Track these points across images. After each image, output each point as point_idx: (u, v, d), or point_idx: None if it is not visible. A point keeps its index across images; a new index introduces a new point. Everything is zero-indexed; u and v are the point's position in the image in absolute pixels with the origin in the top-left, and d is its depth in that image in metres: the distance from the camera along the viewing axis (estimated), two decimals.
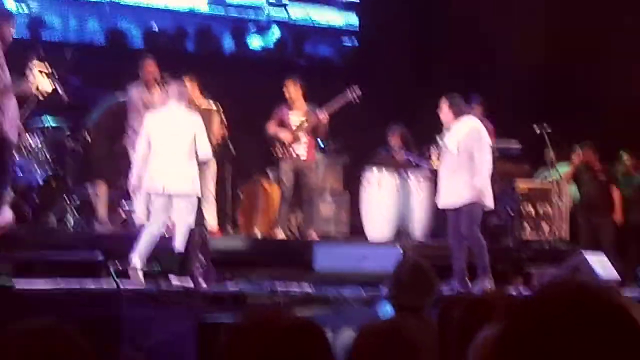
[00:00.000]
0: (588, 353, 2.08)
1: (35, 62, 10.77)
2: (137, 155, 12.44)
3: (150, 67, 14.33)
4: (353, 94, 15.22)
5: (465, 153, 12.83)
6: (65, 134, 14.51)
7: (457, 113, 13.08)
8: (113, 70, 15.63)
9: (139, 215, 13.88)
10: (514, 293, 12.10)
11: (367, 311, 10.23)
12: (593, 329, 2.10)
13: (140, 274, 11.76)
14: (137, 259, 11.83)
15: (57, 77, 11.25)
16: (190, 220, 12.37)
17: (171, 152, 12.22)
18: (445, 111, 13.17)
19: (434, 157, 13.52)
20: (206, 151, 12.50)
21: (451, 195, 12.98)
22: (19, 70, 10.73)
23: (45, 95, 10.88)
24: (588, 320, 2.11)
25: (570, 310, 2.14)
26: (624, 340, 2.10)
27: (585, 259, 13.26)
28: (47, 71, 10.87)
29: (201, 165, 13.91)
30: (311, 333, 2.78)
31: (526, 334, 2.18)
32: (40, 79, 10.67)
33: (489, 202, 13.14)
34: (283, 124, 14.84)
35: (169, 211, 12.35)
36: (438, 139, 13.33)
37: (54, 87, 10.99)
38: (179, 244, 12.23)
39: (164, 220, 12.39)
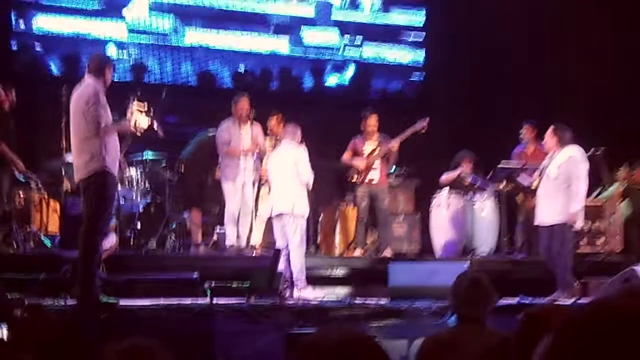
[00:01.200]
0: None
1: (135, 102, 10.89)
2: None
3: (244, 104, 14.43)
4: (421, 124, 15.31)
5: (564, 178, 12.89)
6: (162, 166, 14.69)
7: (561, 141, 13.06)
8: (204, 109, 15.76)
9: (234, 236, 14.10)
10: (570, 302, 12.14)
11: (438, 322, 10.20)
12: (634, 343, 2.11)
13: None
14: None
15: (153, 114, 11.35)
16: (294, 239, 12.82)
17: (279, 179, 13.03)
18: (549, 138, 13.21)
19: (535, 179, 13.56)
20: (306, 178, 12.95)
21: (547, 215, 13.07)
22: (120, 109, 10.83)
23: (142, 131, 10.98)
24: (629, 335, 2.12)
25: (614, 326, 2.14)
26: None
27: (635, 271, 13.14)
28: (144, 110, 10.98)
29: None
30: (367, 346, 2.76)
31: (574, 346, 2.17)
32: (139, 117, 10.78)
33: (580, 225, 13.36)
34: (357, 152, 14.95)
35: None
36: (543, 163, 13.38)
37: (150, 124, 11.09)
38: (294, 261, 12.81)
39: (285, 239, 12.91)
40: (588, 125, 14.29)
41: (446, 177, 15.87)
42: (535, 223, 13.52)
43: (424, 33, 19.86)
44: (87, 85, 10.46)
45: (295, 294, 12.43)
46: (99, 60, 11.01)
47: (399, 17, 20.04)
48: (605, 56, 18.33)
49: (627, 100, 17.73)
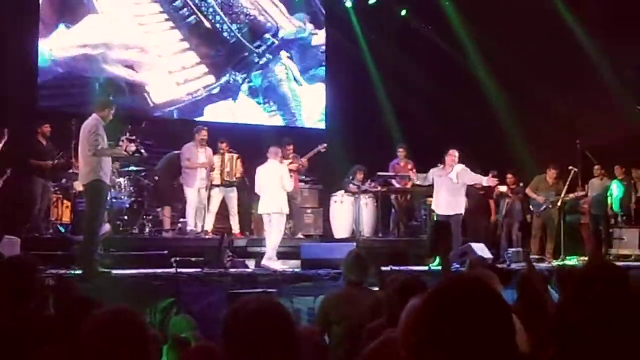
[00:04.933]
0: (474, 314, 2.22)
1: (126, 133, 11.03)
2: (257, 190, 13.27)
3: (204, 133, 14.46)
4: (322, 146, 15.50)
5: (461, 182, 13.82)
6: (142, 175, 14.56)
7: (454, 160, 13.84)
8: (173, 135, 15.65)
9: (193, 224, 14.07)
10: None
11: (334, 284, 10.26)
12: (478, 300, 2.28)
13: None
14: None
15: (138, 141, 11.45)
16: (280, 228, 12.90)
17: (268, 187, 12.87)
18: (450, 157, 13.84)
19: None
20: (289, 186, 13.06)
21: (449, 208, 13.73)
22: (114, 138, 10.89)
23: (131, 153, 11.05)
24: (475, 297, 2.28)
25: (465, 292, 2.30)
26: (491, 305, 2.29)
27: (470, 246, 13.33)
28: (132, 139, 11.07)
29: (228, 191, 14.21)
30: (278, 309, 2.86)
31: (440, 304, 2.28)
32: (129, 144, 10.85)
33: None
34: None
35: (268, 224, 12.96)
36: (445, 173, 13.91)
37: (137, 148, 11.18)
38: (269, 243, 12.85)
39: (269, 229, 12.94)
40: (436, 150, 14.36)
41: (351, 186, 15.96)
42: (442, 213, 13.84)
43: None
44: (92, 119, 10.42)
45: (266, 264, 12.53)
46: (101, 102, 10.96)
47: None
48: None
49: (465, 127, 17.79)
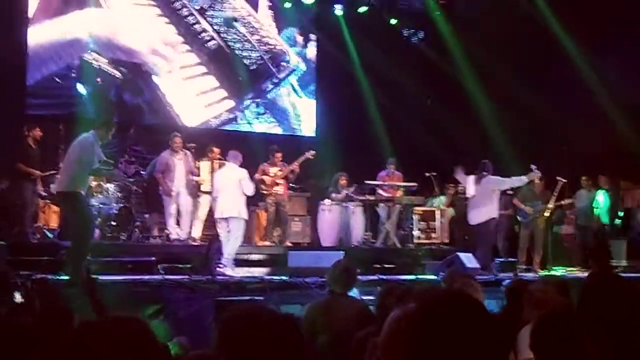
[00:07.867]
0: (461, 328, 2.23)
1: (125, 156, 11.04)
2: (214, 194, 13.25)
3: (177, 141, 14.45)
4: (309, 155, 15.42)
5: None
6: (130, 181, 14.52)
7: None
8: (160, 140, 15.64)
9: (175, 233, 14.07)
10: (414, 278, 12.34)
11: (321, 293, 10.24)
12: (465, 313, 2.29)
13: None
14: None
15: (138, 163, 11.55)
16: (238, 234, 12.69)
17: (226, 191, 12.73)
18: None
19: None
20: (249, 190, 12.87)
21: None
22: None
23: (131, 174, 11.14)
24: (461, 308, 2.29)
25: (450, 306, 2.29)
26: (478, 318, 2.30)
27: (458, 256, 13.34)
28: (132, 160, 11.12)
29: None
30: (287, 323, 2.82)
31: (431, 316, 2.30)
32: (128, 166, 10.91)
33: None
34: (266, 173, 14.99)
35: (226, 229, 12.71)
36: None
37: (136, 170, 11.27)
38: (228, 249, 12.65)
39: (225, 234, 12.69)
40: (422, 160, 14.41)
41: (335, 195, 16.00)
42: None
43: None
44: (90, 136, 10.38)
45: (228, 272, 12.32)
46: (104, 121, 10.88)
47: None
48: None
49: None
